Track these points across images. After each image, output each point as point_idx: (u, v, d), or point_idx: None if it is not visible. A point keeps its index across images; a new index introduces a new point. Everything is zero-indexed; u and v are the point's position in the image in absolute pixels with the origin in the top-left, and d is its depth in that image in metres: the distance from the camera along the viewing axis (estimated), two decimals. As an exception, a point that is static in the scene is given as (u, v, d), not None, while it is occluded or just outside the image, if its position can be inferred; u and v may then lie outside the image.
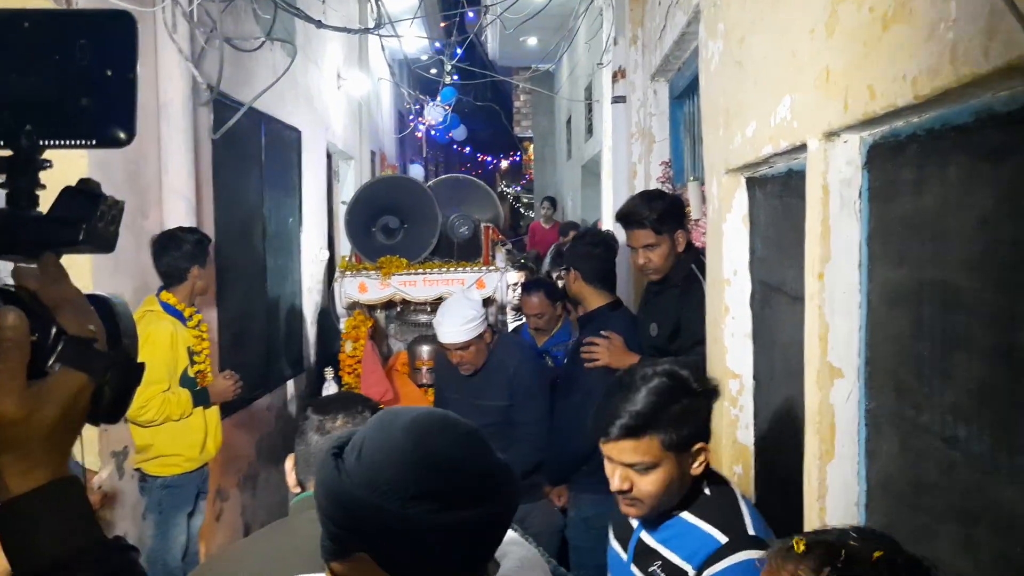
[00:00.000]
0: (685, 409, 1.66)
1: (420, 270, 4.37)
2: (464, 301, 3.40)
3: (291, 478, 1.80)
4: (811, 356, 1.60)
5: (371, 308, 4.51)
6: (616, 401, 1.67)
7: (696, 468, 1.71)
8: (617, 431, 1.65)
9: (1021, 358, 1.02)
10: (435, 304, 4.15)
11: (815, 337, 1.57)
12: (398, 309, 4.68)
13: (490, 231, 4.51)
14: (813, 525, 1.60)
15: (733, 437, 2.40)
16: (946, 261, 1.20)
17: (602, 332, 3.08)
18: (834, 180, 1.52)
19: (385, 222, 4.50)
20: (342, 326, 4.45)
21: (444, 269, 4.38)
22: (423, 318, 4.54)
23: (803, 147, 1.63)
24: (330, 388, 4.06)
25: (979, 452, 1.13)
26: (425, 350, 4.30)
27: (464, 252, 4.58)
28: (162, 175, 3.83)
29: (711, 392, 1.74)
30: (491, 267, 4.39)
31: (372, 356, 4.12)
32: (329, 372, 4.20)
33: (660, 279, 3.00)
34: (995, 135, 1.07)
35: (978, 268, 1.13)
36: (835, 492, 1.56)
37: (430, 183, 4.83)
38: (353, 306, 4.42)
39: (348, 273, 4.40)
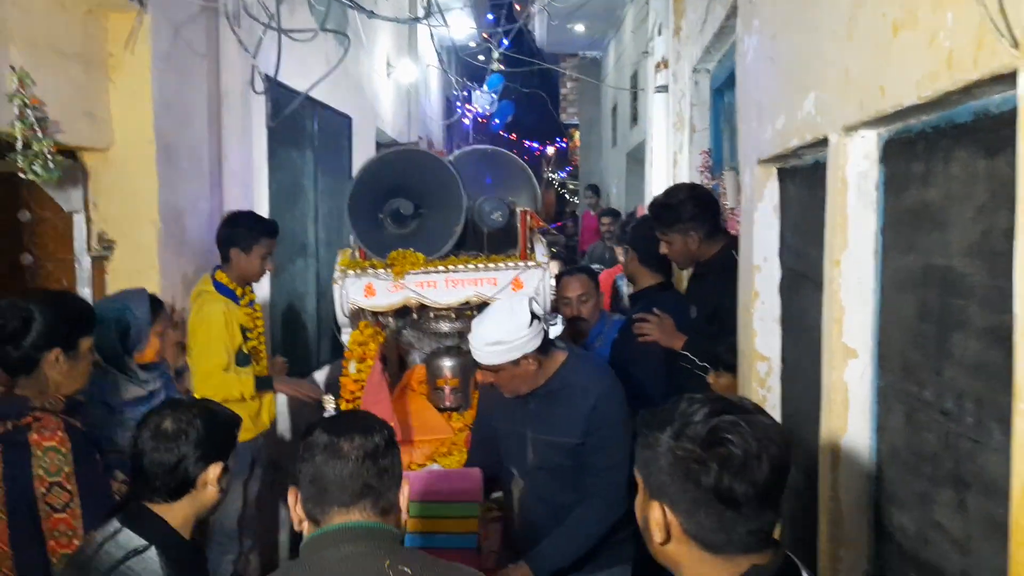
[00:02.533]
0: None
1: (441, 267, 3.35)
2: (501, 316, 2.59)
3: (297, 514, 1.57)
4: (828, 338, 1.71)
5: (376, 315, 3.55)
6: None
7: None
8: None
9: (1009, 338, 1.13)
10: (460, 310, 3.46)
11: (832, 320, 1.68)
12: (414, 316, 3.57)
13: (527, 217, 3.47)
14: (827, 496, 1.72)
15: (761, 417, 2.50)
16: (947, 249, 1.31)
17: (655, 310, 3.26)
18: (852, 173, 1.63)
19: (396, 207, 3.44)
20: (345, 339, 3.52)
21: (471, 266, 3.36)
22: (446, 326, 3.55)
23: (825, 141, 1.74)
24: None
25: (971, 424, 1.24)
26: (448, 366, 3.40)
27: (496, 244, 3.53)
28: (222, 160, 4.03)
29: None
30: (530, 262, 3.41)
31: (378, 380, 3.23)
32: (329, 401, 3.31)
33: (701, 265, 3.19)
34: (990, 133, 1.17)
35: (975, 255, 1.23)
36: (847, 464, 1.67)
37: (451, 156, 3.75)
38: (358, 315, 3.46)
39: (351, 272, 3.38)
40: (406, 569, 1.47)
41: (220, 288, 3.49)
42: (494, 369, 2.61)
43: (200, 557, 1.97)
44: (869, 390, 1.63)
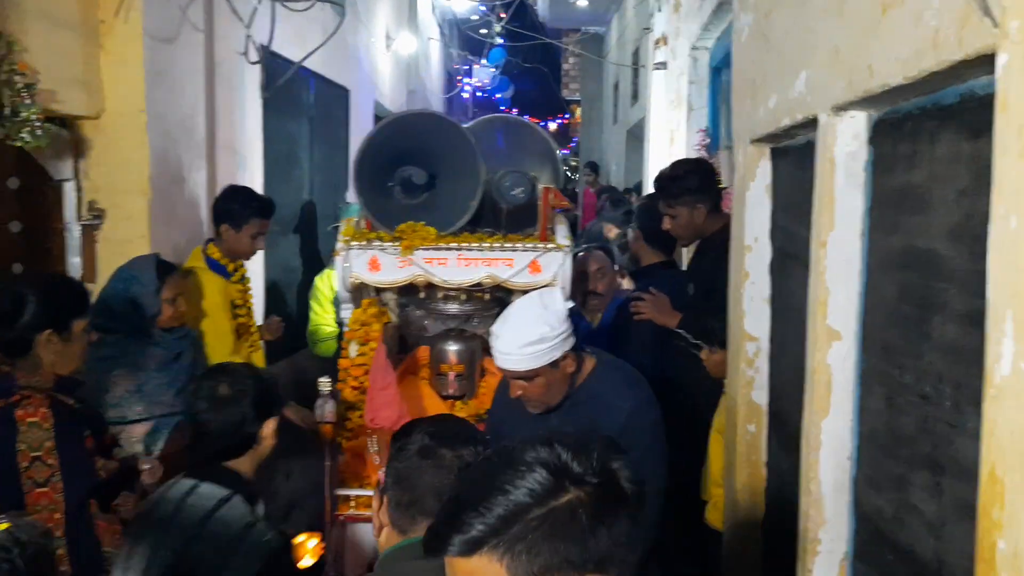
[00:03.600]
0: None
1: (454, 244, 3.08)
2: (536, 310, 2.27)
3: (380, 519, 1.52)
4: (813, 319, 1.70)
5: (378, 291, 3.27)
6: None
7: None
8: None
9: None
10: (472, 291, 3.19)
11: (817, 301, 1.67)
12: (421, 294, 3.27)
13: (549, 195, 3.17)
14: (808, 477, 1.72)
15: (748, 397, 2.50)
16: (930, 231, 1.30)
17: (650, 289, 3.28)
18: (841, 153, 1.61)
19: (408, 175, 3.15)
20: (345, 317, 3.26)
21: (486, 245, 3.09)
22: (454, 308, 3.26)
23: (815, 121, 1.72)
24: (326, 406, 2.86)
25: (948, 408, 1.23)
26: (453, 350, 3.12)
27: (514, 222, 3.25)
28: (215, 130, 4.00)
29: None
30: (550, 244, 3.10)
31: (385, 367, 2.97)
32: (326, 383, 2.92)
33: (702, 242, 3.20)
34: (975, 115, 1.15)
35: (956, 238, 1.22)
36: (829, 445, 1.67)
37: (469, 124, 3.41)
38: (360, 290, 3.19)
39: (355, 244, 3.10)
40: None
41: (211, 263, 3.45)
42: (529, 376, 2.24)
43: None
44: (852, 373, 1.63)
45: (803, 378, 1.93)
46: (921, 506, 1.31)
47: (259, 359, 3.67)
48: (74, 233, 3.33)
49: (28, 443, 2.06)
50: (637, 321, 3.25)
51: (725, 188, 3.49)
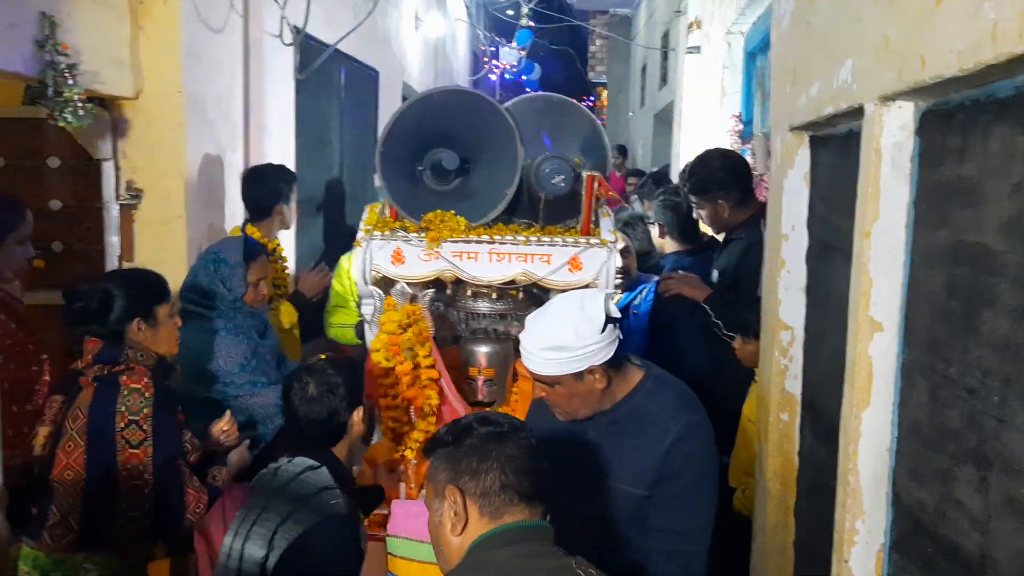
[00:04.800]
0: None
1: (486, 236, 2.79)
2: (571, 313, 2.02)
3: (459, 514, 1.50)
4: (854, 310, 1.69)
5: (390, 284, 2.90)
6: None
7: None
8: None
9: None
10: (504, 289, 2.91)
11: (859, 292, 1.67)
12: (448, 291, 2.98)
13: (594, 183, 2.84)
14: (846, 468, 1.72)
15: (782, 386, 2.50)
16: (981, 225, 1.29)
17: (679, 271, 3.36)
18: (887, 143, 1.60)
19: (438, 159, 2.84)
20: (365, 312, 2.93)
21: (522, 238, 2.79)
22: (484, 306, 2.96)
23: (861, 110, 1.71)
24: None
25: (996, 402, 1.23)
26: (483, 352, 2.87)
27: (553, 213, 2.91)
28: (249, 112, 4.03)
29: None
30: (593, 239, 2.80)
31: (451, 388, 2.77)
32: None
33: (729, 233, 3.21)
34: (1033, 109, 1.14)
35: (1009, 233, 1.21)
36: (868, 438, 1.66)
37: (507, 104, 3.09)
38: (383, 284, 2.88)
39: (377, 234, 2.83)
40: (591, 571, 1.44)
41: (250, 241, 3.49)
42: (549, 382, 2.05)
43: (358, 490, 2.34)
44: (893, 364, 1.62)
45: (841, 368, 1.92)
46: (965, 500, 1.31)
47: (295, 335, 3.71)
48: (112, 212, 3.38)
49: (127, 406, 2.26)
50: (667, 299, 3.29)
51: (762, 175, 3.48)
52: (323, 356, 2.29)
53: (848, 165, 2.01)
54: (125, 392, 2.28)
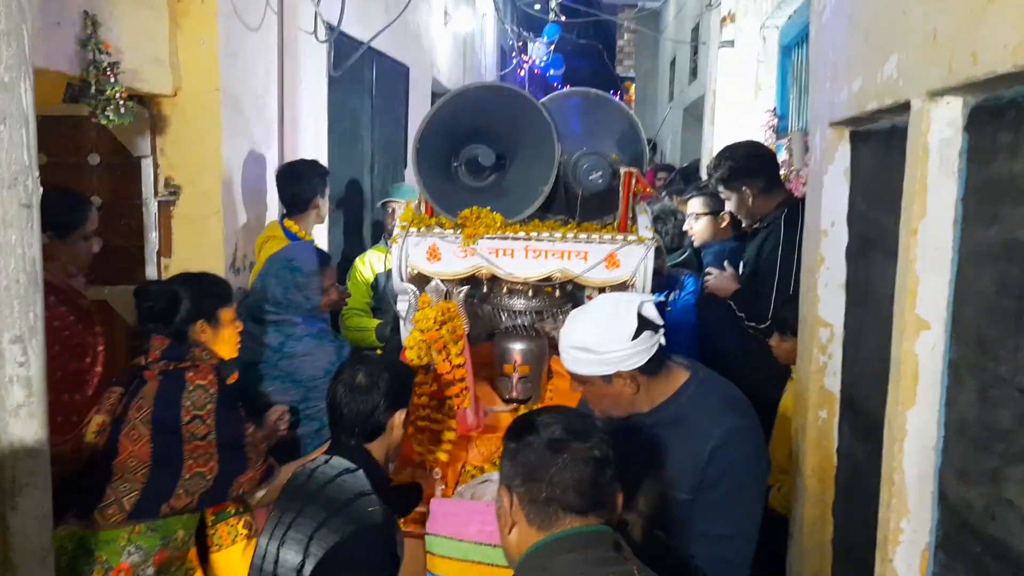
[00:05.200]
0: None
1: (522, 233, 2.77)
2: (604, 314, 2.01)
3: (512, 517, 1.48)
4: (900, 308, 1.68)
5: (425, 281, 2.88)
6: None
7: None
8: None
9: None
10: (540, 286, 2.90)
11: (905, 290, 1.65)
12: (484, 288, 2.98)
13: (632, 179, 2.81)
14: (891, 467, 1.71)
15: (820, 383, 2.49)
16: (1034, 223, 1.27)
17: (726, 264, 3.42)
18: (935, 140, 1.58)
19: (473, 154, 2.85)
20: (401, 309, 2.92)
21: (558, 235, 2.76)
22: (520, 303, 2.95)
23: (907, 106, 1.69)
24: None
25: (1050, 402, 1.22)
26: (518, 350, 2.86)
27: (589, 210, 2.87)
28: (283, 108, 4.06)
29: None
30: (631, 236, 2.76)
31: (472, 390, 2.77)
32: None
33: (755, 221, 3.23)
34: (1090, 105, 1.13)
35: (1064, 231, 1.20)
36: (913, 437, 1.65)
37: (544, 99, 3.04)
38: (418, 281, 2.87)
39: (413, 230, 2.82)
40: None
41: (289, 235, 3.54)
42: (579, 380, 2.05)
43: (396, 489, 2.33)
44: (940, 363, 1.61)
45: (883, 366, 1.91)
46: (1016, 500, 1.30)
47: None
48: (151, 208, 3.43)
49: (192, 401, 2.33)
50: (707, 295, 3.36)
51: (798, 171, 3.46)
52: (379, 351, 2.32)
53: (891, 161, 1.99)
54: (191, 388, 2.34)
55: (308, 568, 1.92)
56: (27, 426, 2.00)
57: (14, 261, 1.94)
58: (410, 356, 2.77)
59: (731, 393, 2.09)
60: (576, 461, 1.44)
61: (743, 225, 3.59)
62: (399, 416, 2.21)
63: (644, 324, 1.94)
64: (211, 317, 2.51)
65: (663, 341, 2.00)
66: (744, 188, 3.28)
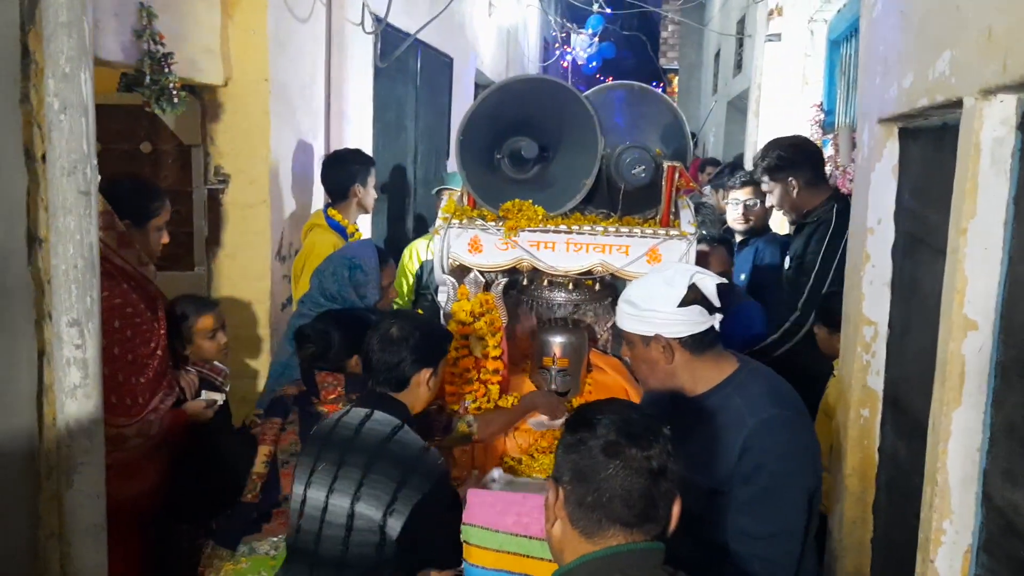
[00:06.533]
0: None
1: (563, 226, 2.77)
2: (657, 280, 2.04)
3: (556, 513, 1.42)
4: (947, 308, 1.66)
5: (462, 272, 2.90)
6: None
7: None
8: None
9: None
10: (580, 280, 2.89)
11: (953, 289, 1.64)
12: (524, 280, 2.99)
13: (675, 174, 2.81)
14: (934, 467, 1.70)
15: (863, 382, 2.47)
16: (1088, 224, 1.26)
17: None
18: (987, 138, 1.57)
19: (517, 147, 2.83)
20: (441, 300, 2.93)
21: (600, 229, 2.76)
22: (560, 296, 2.96)
23: (959, 103, 1.67)
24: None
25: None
26: (558, 342, 2.85)
27: (631, 203, 2.86)
28: (330, 99, 4.12)
29: None
30: (673, 231, 2.76)
31: (506, 382, 2.80)
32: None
33: (801, 216, 3.22)
34: None
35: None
36: (959, 437, 1.64)
37: (587, 92, 3.03)
38: (458, 273, 2.89)
39: (455, 222, 2.82)
40: None
41: (332, 224, 3.59)
42: (625, 339, 2.08)
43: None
44: (987, 364, 1.59)
45: (928, 365, 1.89)
46: (1063, 503, 1.29)
47: None
48: (200, 196, 3.49)
49: None
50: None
51: (845, 167, 3.43)
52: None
53: (941, 159, 1.97)
54: None
55: (393, 524, 2.04)
56: (83, 407, 2.06)
57: (72, 247, 2.00)
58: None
59: (777, 385, 2.04)
60: (628, 470, 1.35)
61: (789, 220, 3.57)
62: (425, 373, 2.26)
63: (696, 298, 1.95)
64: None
65: (716, 325, 1.98)
66: (790, 179, 3.29)
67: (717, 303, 1.96)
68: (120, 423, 2.41)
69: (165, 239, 2.84)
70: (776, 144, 3.38)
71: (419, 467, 2.09)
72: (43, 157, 1.94)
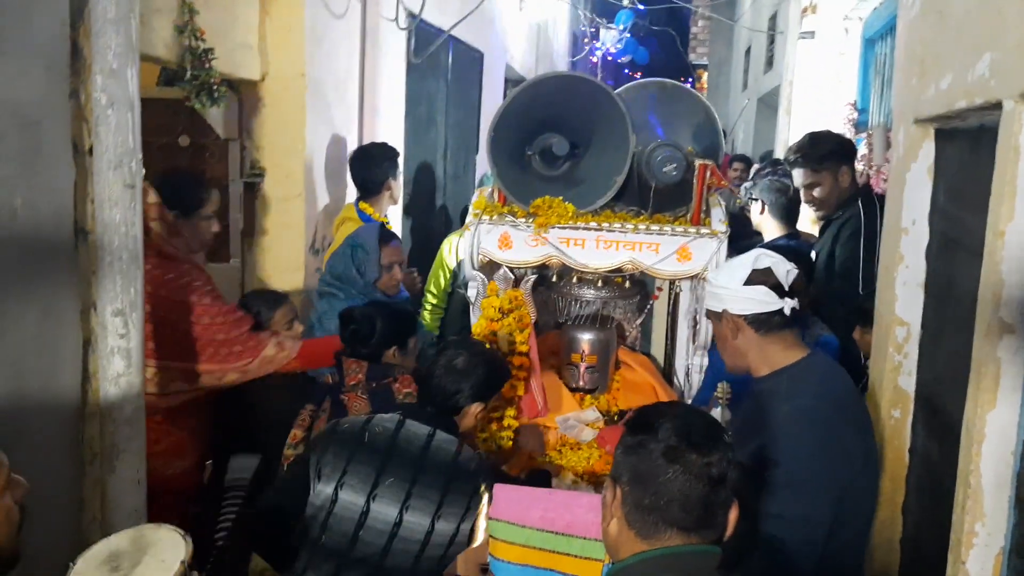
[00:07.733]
0: None
1: (593, 223, 2.77)
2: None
3: (612, 512, 1.42)
4: (982, 310, 1.67)
5: (494, 268, 2.90)
6: None
7: None
8: None
9: None
10: (609, 277, 2.90)
11: (988, 292, 1.64)
12: (552, 277, 3.02)
13: (706, 172, 2.80)
14: (967, 469, 1.70)
15: (895, 383, 2.46)
16: None
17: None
18: (1026, 142, 1.57)
19: (548, 143, 2.85)
20: (471, 295, 2.94)
21: (630, 226, 2.76)
22: (589, 293, 2.96)
23: (998, 106, 1.67)
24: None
25: None
26: (587, 339, 2.87)
27: (662, 201, 2.87)
28: (364, 94, 4.15)
29: None
30: (704, 229, 2.76)
31: (538, 379, 2.80)
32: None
33: (832, 210, 3.23)
34: None
35: None
36: (993, 439, 1.64)
37: (619, 89, 3.05)
38: (488, 269, 2.90)
39: (486, 218, 2.83)
40: None
41: (364, 217, 3.63)
42: (708, 314, 2.20)
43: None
44: (1022, 367, 1.59)
45: (961, 367, 1.89)
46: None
47: None
48: (237, 189, 3.55)
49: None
50: None
51: (879, 167, 3.41)
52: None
53: (978, 161, 1.96)
54: (400, 396, 2.62)
55: (465, 527, 2.13)
56: (126, 395, 2.12)
57: (118, 239, 2.05)
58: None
59: (831, 378, 2.06)
60: (688, 475, 1.33)
61: (819, 216, 3.54)
62: (476, 407, 2.32)
63: (765, 280, 1.99)
64: (402, 344, 2.77)
65: (787, 311, 2.00)
66: (844, 168, 3.26)
67: (784, 286, 2.00)
68: (165, 403, 2.57)
69: (216, 228, 2.91)
70: (823, 136, 3.36)
71: (459, 472, 2.18)
72: (90, 151, 1.98)
